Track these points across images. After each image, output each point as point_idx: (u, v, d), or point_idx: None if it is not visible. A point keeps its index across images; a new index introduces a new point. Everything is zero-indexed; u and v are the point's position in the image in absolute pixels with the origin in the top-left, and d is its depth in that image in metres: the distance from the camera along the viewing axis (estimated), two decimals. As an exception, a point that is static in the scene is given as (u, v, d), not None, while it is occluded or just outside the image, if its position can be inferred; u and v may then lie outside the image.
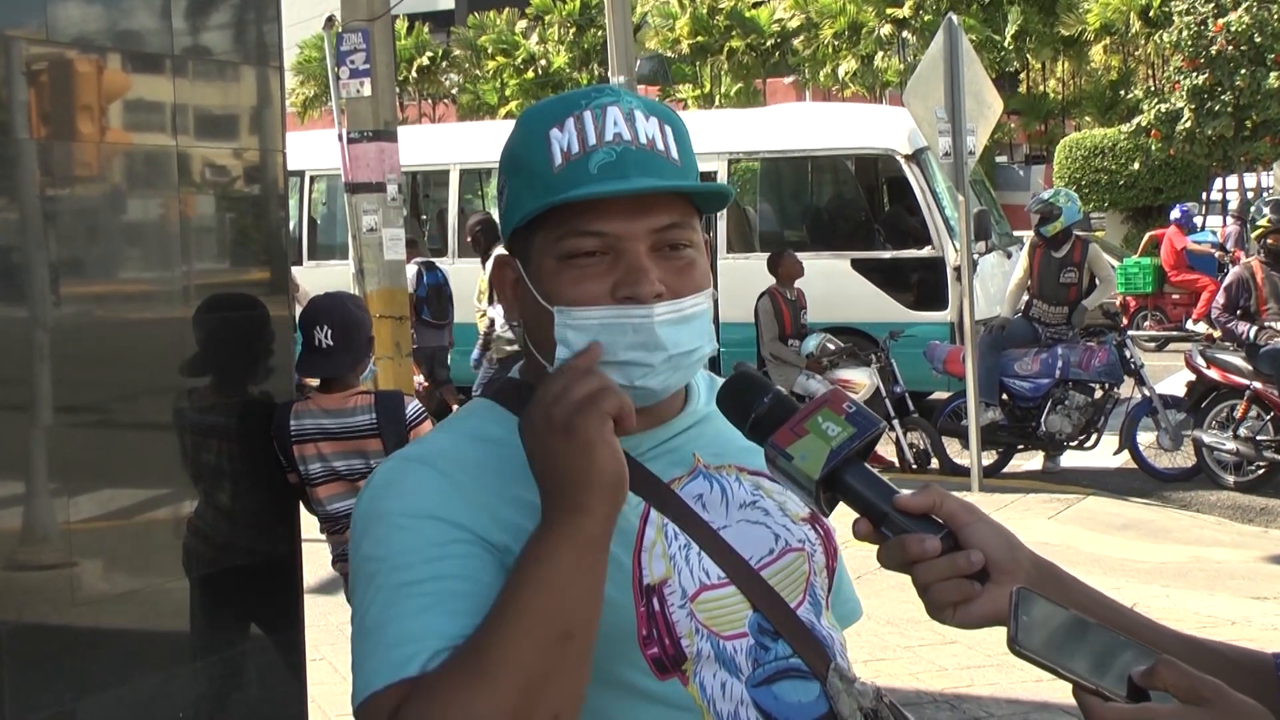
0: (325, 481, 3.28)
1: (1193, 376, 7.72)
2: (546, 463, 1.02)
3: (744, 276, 9.49)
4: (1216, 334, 12.38)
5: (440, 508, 1.08)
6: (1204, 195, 21.84)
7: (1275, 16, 19.55)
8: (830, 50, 28.52)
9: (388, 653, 1.01)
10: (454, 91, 34.24)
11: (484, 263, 8.86)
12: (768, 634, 1.14)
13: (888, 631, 4.75)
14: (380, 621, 1.03)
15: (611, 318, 1.11)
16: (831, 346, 8.17)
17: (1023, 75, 30.30)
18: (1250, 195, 19.95)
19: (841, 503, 1.04)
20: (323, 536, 3.54)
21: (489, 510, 1.09)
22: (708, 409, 1.22)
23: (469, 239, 9.14)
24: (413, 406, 3.30)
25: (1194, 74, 19.95)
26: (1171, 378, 10.17)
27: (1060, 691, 3.94)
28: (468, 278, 10.88)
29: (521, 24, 33.72)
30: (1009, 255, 10.36)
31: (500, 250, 1.26)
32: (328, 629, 4.73)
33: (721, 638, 1.12)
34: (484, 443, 1.14)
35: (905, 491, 1.01)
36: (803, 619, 1.16)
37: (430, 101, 34.91)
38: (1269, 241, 7.43)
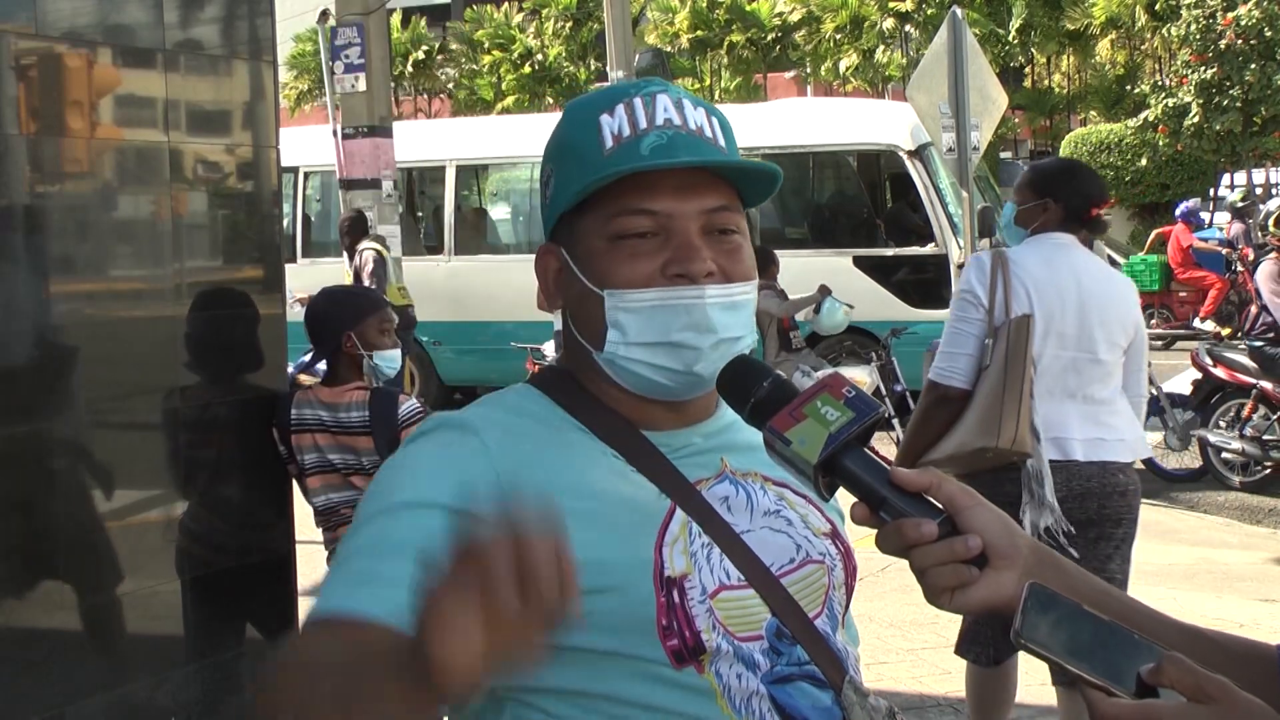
0: (319, 472, 3.26)
1: (1199, 374, 7.66)
2: None
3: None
4: (1224, 332, 12.32)
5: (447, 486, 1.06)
6: (1212, 191, 21.70)
7: (1285, 10, 19.47)
8: (832, 45, 28.47)
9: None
10: (450, 86, 34.16)
11: (350, 258, 8.83)
12: (784, 639, 1.13)
13: (890, 634, 4.70)
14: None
15: (664, 299, 1.12)
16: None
17: (1028, 70, 30.25)
18: (1259, 191, 19.86)
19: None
20: (319, 537, 3.50)
21: (509, 471, 1.08)
22: (736, 415, 1.21)
23: (341, 233, 9.13)
24: (407, 406, 3.25)
25: (1202, 68, 19.85)
26: (1178, 376, 10.12)
27: (1065, 694, 3.89)
28: (465, 278, 10.85)
29: (518, 18, 33.66)
30: (1013, 252, 10.30)
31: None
32: (325, 629, 4.68)
33: (736, 638, 1.11)
34: (521, 416, 1.16)
35: (903, 470, 1.00)
36: (820, 630, 1.16)
37: (426, 96, 34.80)
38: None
